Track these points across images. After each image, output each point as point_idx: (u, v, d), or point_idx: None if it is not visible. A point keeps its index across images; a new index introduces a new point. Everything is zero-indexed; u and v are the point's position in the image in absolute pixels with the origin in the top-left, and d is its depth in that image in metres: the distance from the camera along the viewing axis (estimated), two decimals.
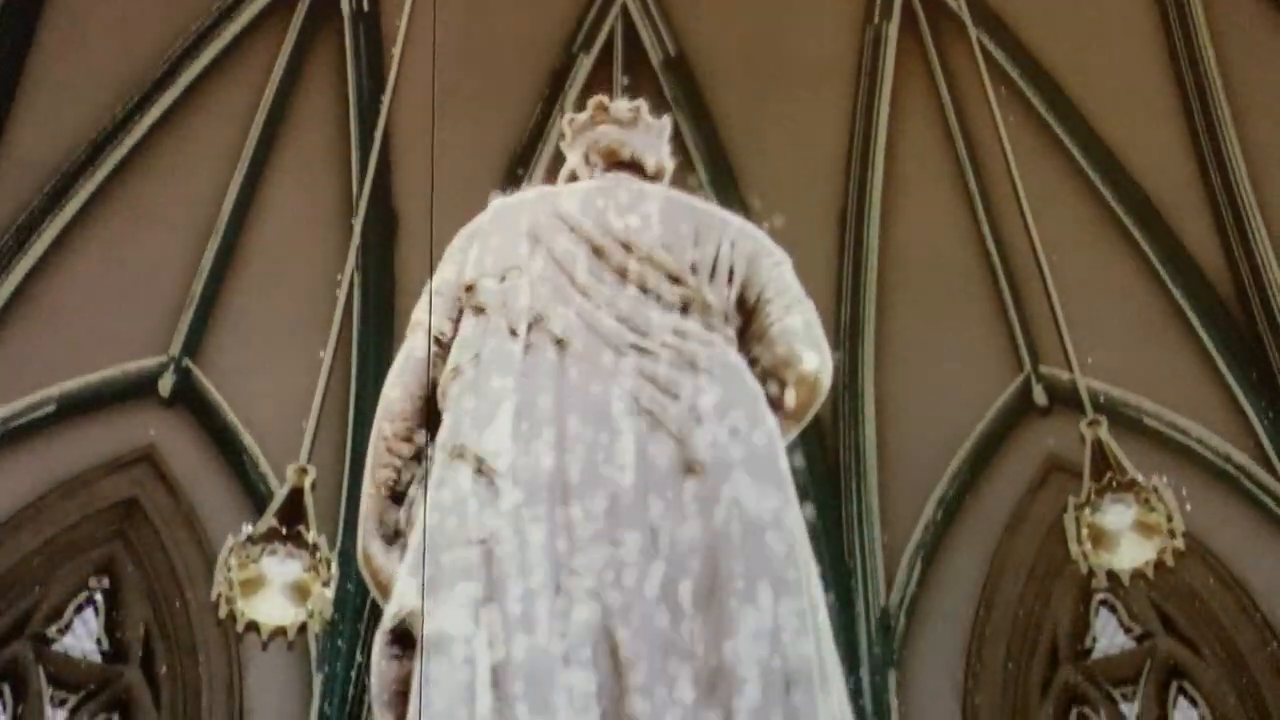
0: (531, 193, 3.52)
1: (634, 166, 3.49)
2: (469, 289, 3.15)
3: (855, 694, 10.72)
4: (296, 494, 7.49)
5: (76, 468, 11.39)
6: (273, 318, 11.26)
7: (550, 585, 2.72)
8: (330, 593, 7.35)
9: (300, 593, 7.35)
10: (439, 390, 3.05)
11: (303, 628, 7.34)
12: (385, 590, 3.03)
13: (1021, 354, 11.68)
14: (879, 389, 11.70)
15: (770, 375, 3.13)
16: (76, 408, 11.26)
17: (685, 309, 3.09)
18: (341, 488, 11.18)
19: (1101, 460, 7.52)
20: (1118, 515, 7.43)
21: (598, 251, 3.14)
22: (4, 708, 10.83)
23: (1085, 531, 7.33)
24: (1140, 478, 6.91)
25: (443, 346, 3.14)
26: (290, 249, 11.44)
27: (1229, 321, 11.09)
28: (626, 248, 3.14)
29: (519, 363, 2.94)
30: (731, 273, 3.18)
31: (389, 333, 10.83)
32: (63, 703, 10.93)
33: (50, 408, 11.07)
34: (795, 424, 3.24)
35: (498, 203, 3.44)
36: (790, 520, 2.94)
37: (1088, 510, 7.29)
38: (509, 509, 2.80)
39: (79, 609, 11.33)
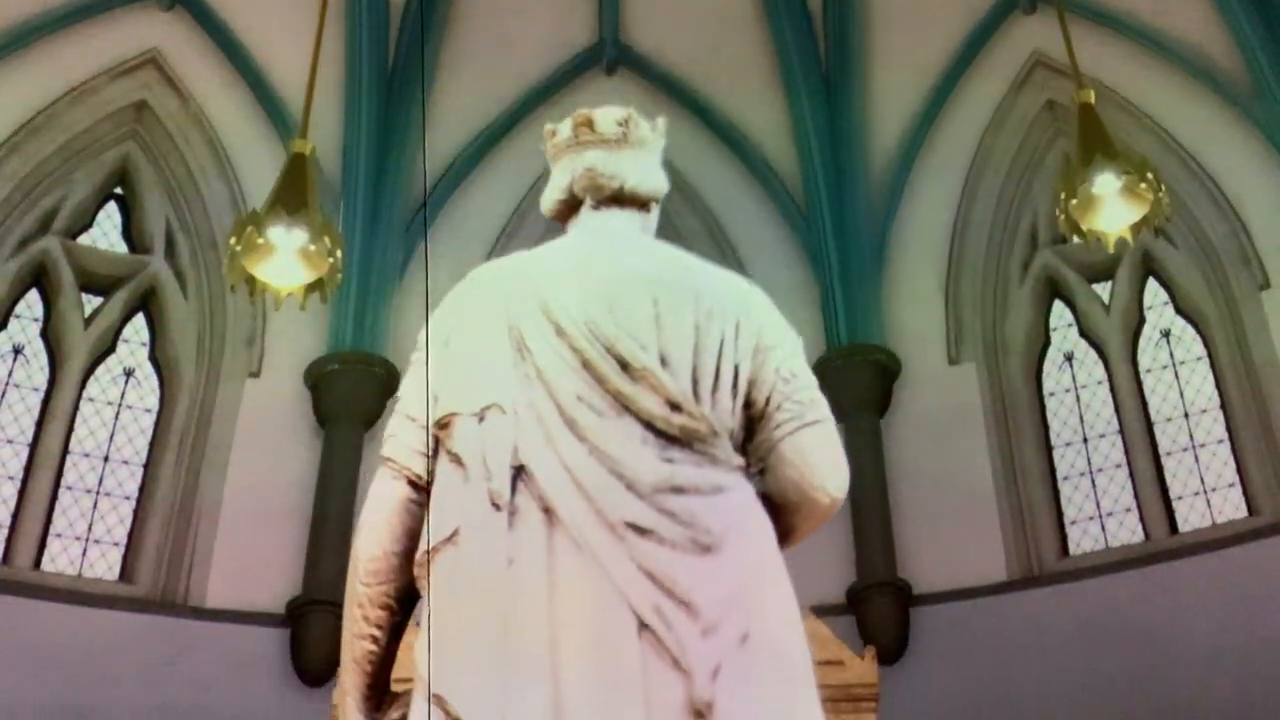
0: (512, 264, 2.99)
1: (626, 199, 3.05)
2: (444, 426, 2.71)
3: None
4: (298, 161, 7.66)
5: (83, 74, 11.65)
6: None
7: None
8: (338, 256, 7.63)
9: (308, 259, 7.65)
10: (415, 562, 2.67)
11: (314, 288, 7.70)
12: None
13: None
14: None
15: (778, 498, 2.79)
16: (79, 12, 11.43)
17: (686, 443, 2.66)
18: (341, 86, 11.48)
19: (1092, 129, 7.84)
20: (1105, 183, 7.82)
21: (588, 366, 2.68)
22: (36, 303, 11.44)
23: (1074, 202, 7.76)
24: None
25: (419, 490, 2.76)
26: None
27: None
28: (621, 364, 2.68)
29: (503, 542, 2.54)
30: (736, 376, 2.75)
31: None
32: (92, 295, 11.53)
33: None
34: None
35: (476, 281, 2.96)
36: None
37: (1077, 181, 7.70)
38: None
39: (100, 206, 11.81)
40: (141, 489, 11.08)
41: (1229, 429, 10.83)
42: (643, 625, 2.46)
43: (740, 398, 2.78)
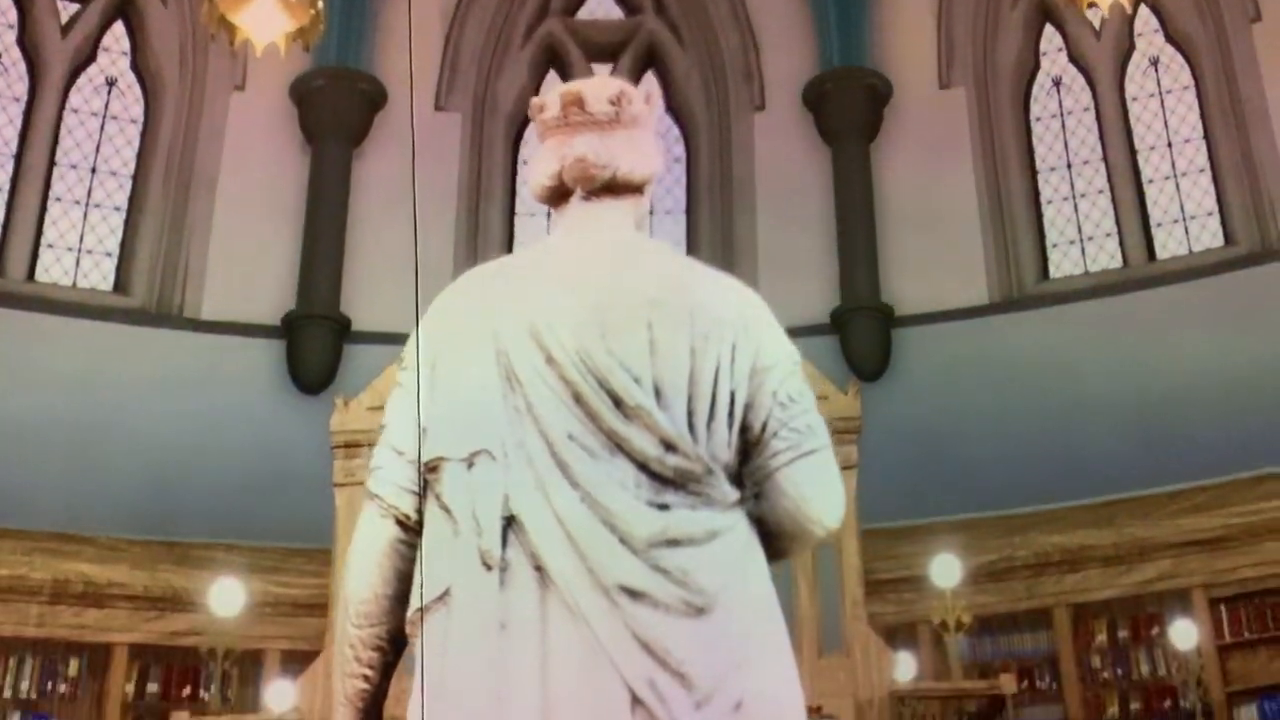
0: (500, 277, 2.85)
1: (619, 187, 2.93)
2: (432, 470, 2.66)
3: None
4: None
5: None
6: None
7: None
8: (320, 8, 7.39)
9: (289, 7, 7.39)
10: (408, 620, 2.63)
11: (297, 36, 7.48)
12: None
13: None
14: None
15: (773, 526, 2.72)
16: None
17: (680, 484, 2.59)
18: None
19: None
20: None
21: (580, 401, 2.61)
22: (10, 9, 11.14)
23: None
24: None
25: (408, 530, 2.70)
26: None
27: None
28: (615, 401, 2.60)
29: (496, 604, 2.51)
30: (732, 403, 2.66)
31: None
32: (69, 2, 11.25)
33: None
34: None
35: (463, 295, 2.85)
36: None
37: None
38: None
39: None
40: (131, 201, 11.09)
41: (1211, 159, 10.98)
42: (636, 700, 2.44)
43: (736, 424, 2.65)
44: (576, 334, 2.63)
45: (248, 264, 10.82)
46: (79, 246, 10.95)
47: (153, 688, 9.01)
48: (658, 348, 2.63)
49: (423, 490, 2.66)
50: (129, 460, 9.86)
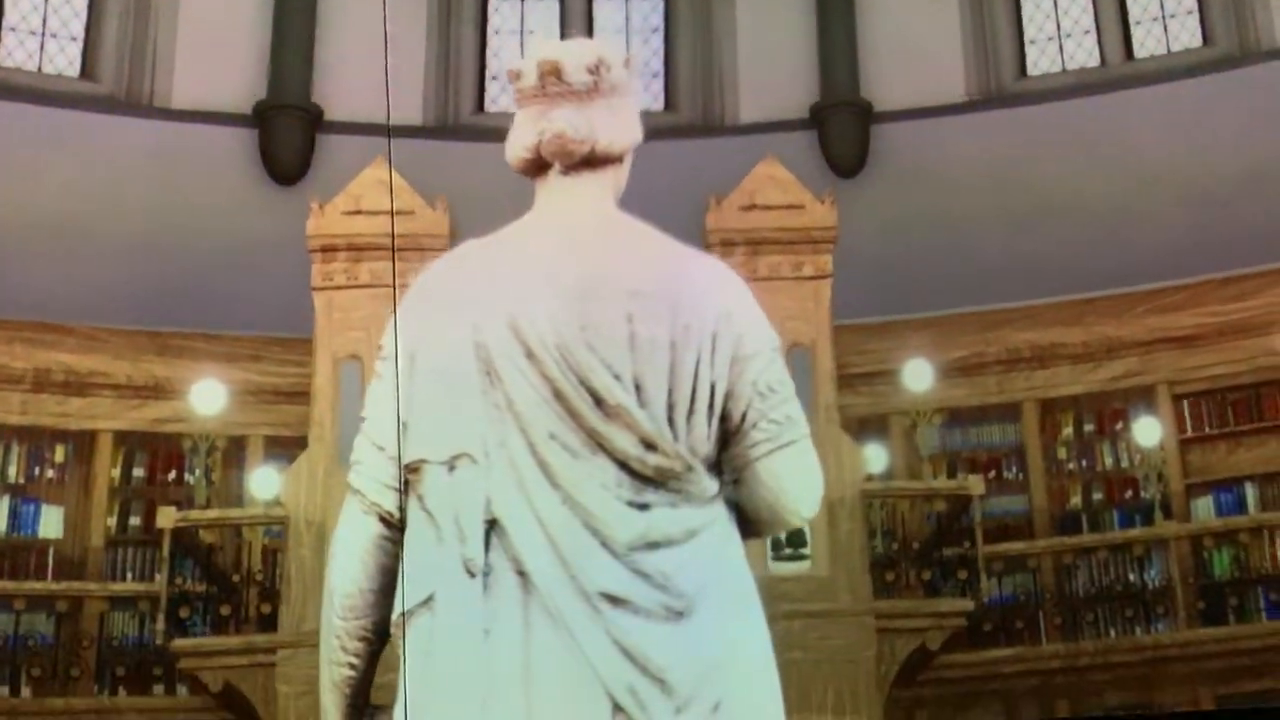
0: (478, 262, 2.80)
1: (598, 160, 2.88)
2: (414, 471, 2.66)
3: None
4: None
5: None
6: None
7: None
8: None
9: None
10: (392, 622, 2.66)
11: None
12: None
13: None
14: None
15: (750, 513, 2.76)
16: None
17: (660, 482, 2.62)
18: None
19: None
20: None
21: (560, 398, 2.60)
22: None
23: None
24: None
25: (391, 526, 2.72)
26: None
27: None
28: (595, 399, 2.60)
29: (479, 611, 2.55)
30: (713, 395, 2.67)
31: None
32: None
33: None
34: None
35: (440, 282, 2.80)
36: None
37: None
38: None
39: None
40: None
41: None
42: (617, 707, 2.50)
43: (716, 415, 2.68)
44: (556, 327, 2.62)
45: (217, 51, 10.62)
46: (42, 30, 10.69)
47: (138, 473, 9.16)
48: (638, 342, 2.63)
49: (404, 487, 2.68)
50: (102, 249, 9.82)
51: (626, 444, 2.59)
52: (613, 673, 2.51)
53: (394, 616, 2.62)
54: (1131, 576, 8.61)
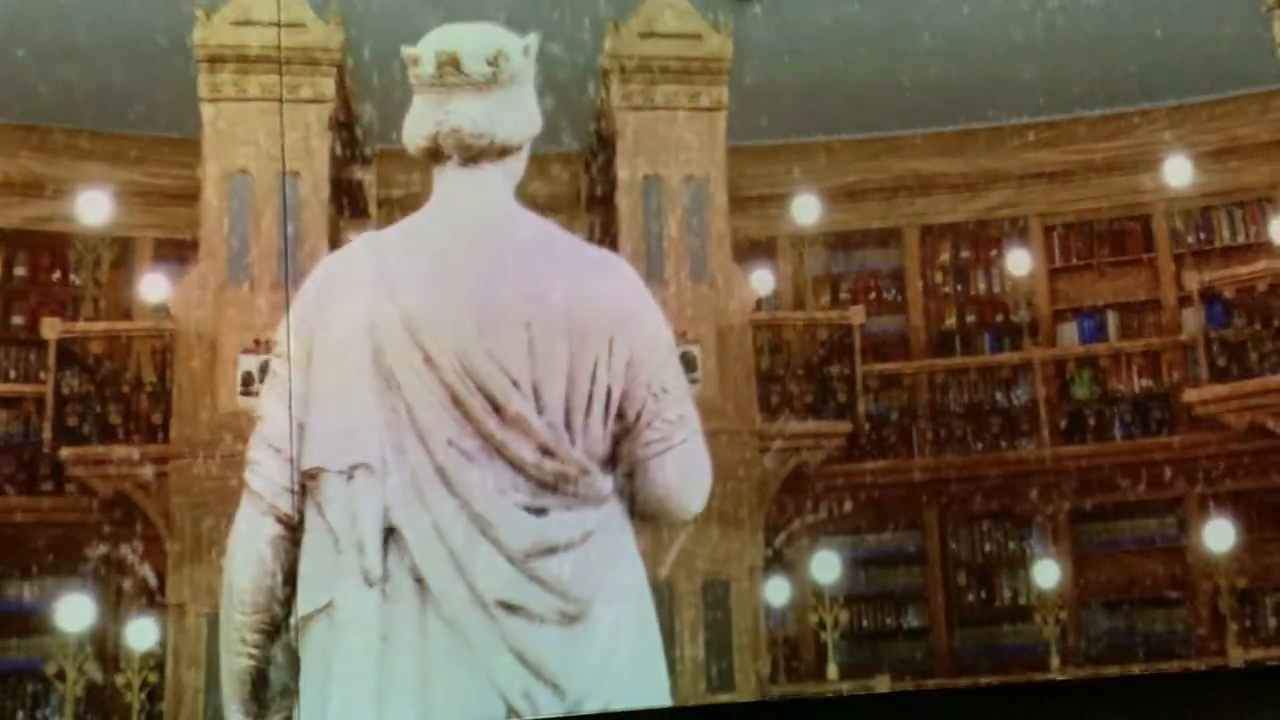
0: (373, 261, 2.68)
1: (496, 151, 2.82)
2: (312, 477, 2.65)
3: None
4: None
5: None
6: None
7: None
8: None
9: None
10: (291, 626, 2.64)
11: None
12: None
13: None
14: None
15: (641, 506, 2.80)
16: None
17: (555, 486, 2.65)
18: None
19: None
20: None
21: (457, 403, 2.59)
22: None
23: None
24: None
25: (289, 528, 2.72)
26: None
27: None
28: (493, 405, 2.59)
29: (377, 617, 2.56)
30: (609, 397, 2.70)
31: None
32: None
33: None
34: None
35: (336, 281, 2.71)
36: None
37: None
38: None
39: None
40: None
41: None
42: (511, 711, 2.61)
43: (611, 416, 2.76)
44: (454, 332, 2.67)
45: None
46: None
47: (20, 271, 8.96)
48: (536, 348, 2.70)
49: (302, 489, 2.73)
50: None
51: (524, 450, 2.67)
52: (507, 678, 2.62)
53: (292, 621, 2.72)
54: (999, 396, 9.13)
